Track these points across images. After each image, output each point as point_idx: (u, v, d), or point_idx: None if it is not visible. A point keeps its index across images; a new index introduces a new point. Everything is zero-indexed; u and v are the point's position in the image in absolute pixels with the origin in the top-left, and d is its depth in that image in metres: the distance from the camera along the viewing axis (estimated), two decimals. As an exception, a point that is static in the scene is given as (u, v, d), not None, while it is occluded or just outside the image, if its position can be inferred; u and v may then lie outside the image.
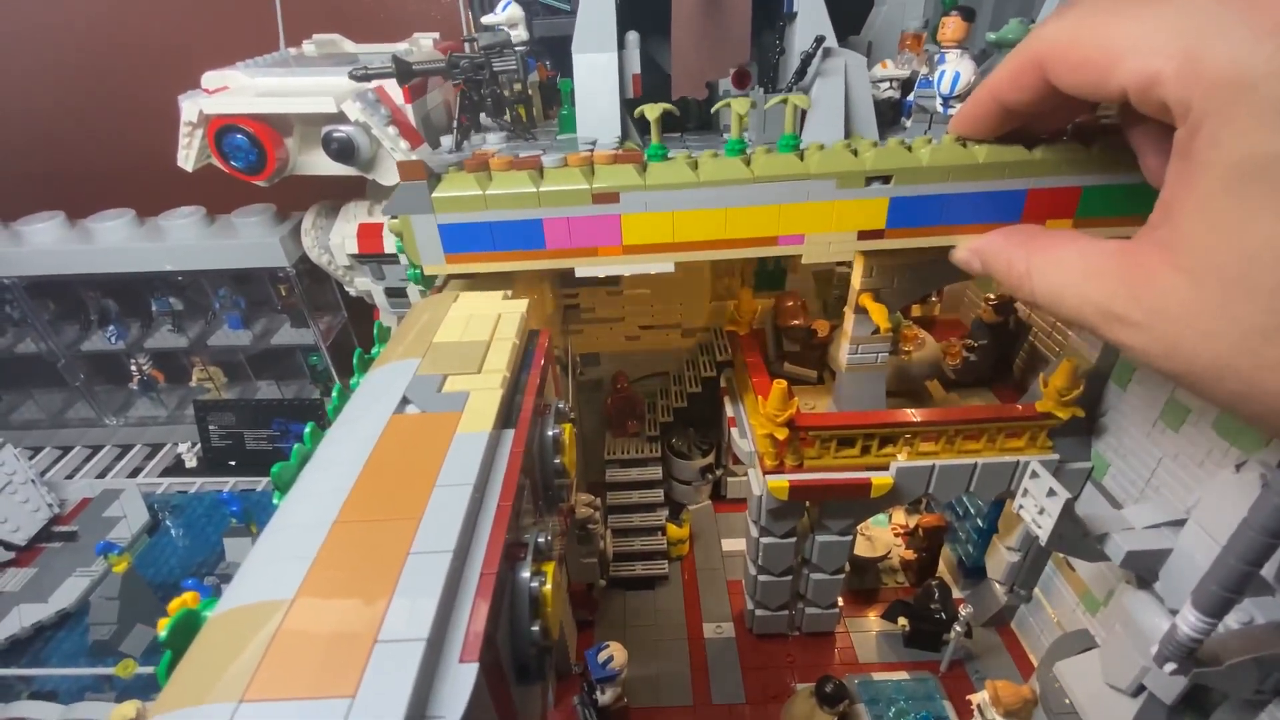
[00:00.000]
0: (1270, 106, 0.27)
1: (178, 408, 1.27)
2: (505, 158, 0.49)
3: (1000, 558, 0.76)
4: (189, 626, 0.27)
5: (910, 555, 0.86)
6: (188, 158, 0.78)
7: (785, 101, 0.50)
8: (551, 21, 0.95)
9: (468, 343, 0.44)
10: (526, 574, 0.33)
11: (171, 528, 1.03)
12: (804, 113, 0.56)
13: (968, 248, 0.48)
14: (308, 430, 0.40)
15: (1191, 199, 0.31)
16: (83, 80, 1.17)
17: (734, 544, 0.94)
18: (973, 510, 0.83)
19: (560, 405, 0.46)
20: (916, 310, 0.85)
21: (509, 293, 0.53)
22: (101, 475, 1.18)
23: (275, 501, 0.34)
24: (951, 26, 0.54)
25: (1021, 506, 0.54)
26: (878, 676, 0.75)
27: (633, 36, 0.59)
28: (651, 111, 0.49)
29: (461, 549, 0.29)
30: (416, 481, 0.32)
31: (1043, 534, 0.51)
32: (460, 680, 0.25)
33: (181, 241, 1.03)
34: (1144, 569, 0.51)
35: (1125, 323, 0.34)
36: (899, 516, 0.94)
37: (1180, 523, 0.51)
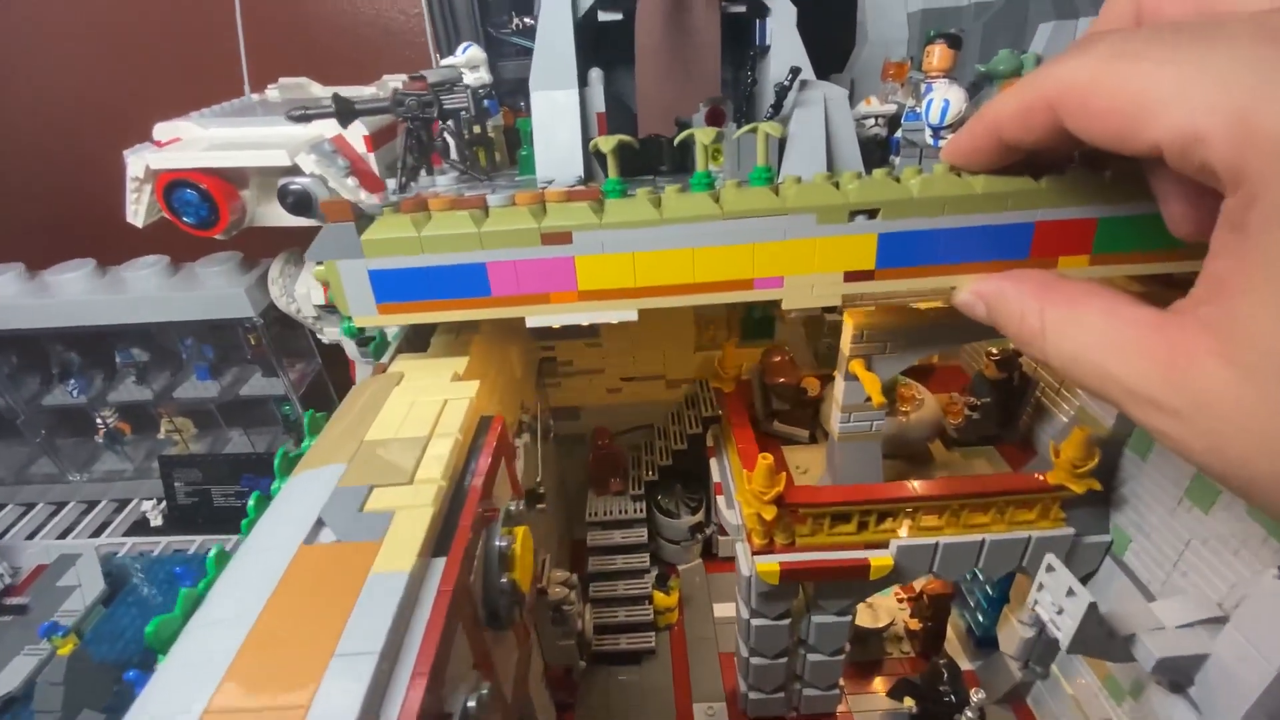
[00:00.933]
0: None
1: (145, 459, 1.22)
2: (447, 197, 0.44)
3: (1013, 631, 0.69)
4: None
5: (915, 624, 0.79)
6: (137, 213, 0.74)
7: (755, 130, 0.45)
8: (525, 63, 0.92)
9: (403, 440, 0.39)
10: (449, 750, 0.27)
11: (137, 585, 0.97)
12: (781, 146, 0.52)
13: (971, 290, 0.41)
14: (211, 554, 0.35)
15: (1247, 280, 0.26)
16: (41, 127, 1.13)
17: (727, 609, 0.88)
18: (981, 575, 0.77)
19: (512, 507, 0.41)
20: (914, 359, 0.80)
21: (459, 371, 0.48)
22: (63, 535, 1.12)
23: (159, 662, 0.29)
24: (938, 55, 0.49)
25: (1037, 602, 0.49)
26: (883, 764, 0.69)
27: (596, 73, 0.55)
28: (606, 144, 0.44)
29: (357, 742, 0.24)
30: (312, 647, 0.27)
31: (1062, 637, 0.46)
32: None
33: (143, 293, 0.99)
34: (1178, 675, 0.45)
35: (1161, 410, 0.29)
36: (902, 575, 0.88)
37: (1217, 621, 0.45)
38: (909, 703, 0.71)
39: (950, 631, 0.81)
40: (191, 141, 0.72)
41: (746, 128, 0.45)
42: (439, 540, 0.34)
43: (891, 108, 0.60)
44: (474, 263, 0.44)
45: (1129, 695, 0.58)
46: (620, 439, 0.88)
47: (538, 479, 0.63)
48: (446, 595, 0.31)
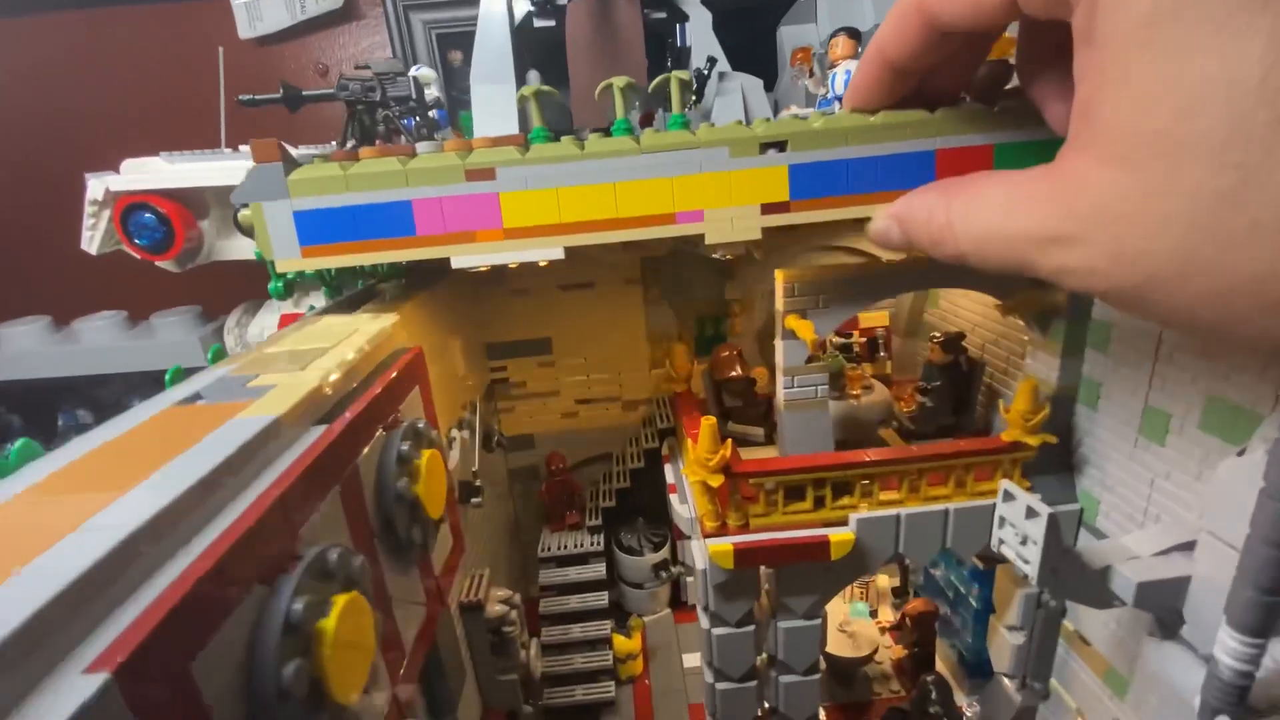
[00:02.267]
0: None
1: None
2: (377, 148, 0.46)
3: (1003, 642, 0.63)
4: None
5: (901, 653, 0.72)
6: (92, 240, 0.75)
7: (668, 81, 0.48)
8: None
9: (303, 350, 0.37)
10: (286, 596, 0.23)
11: None
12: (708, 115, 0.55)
13: (884, 214, 0.42)
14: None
15: (1106, 80, 0.27)
16: (16, 193, 1.18)
17: (698, 659, 0.79)
18: (964, 591, 0.71)
19: (422, 425, 0.38)
20: (868, 369, 0.79)
21: (381, 313, 0.47)
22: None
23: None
24: (841, 45, 0.54)
25: (1002, 542, 0.45)
26: (878, 815, 0.59)
27: (533, 74, 0.59)
28: (528, 90, 0.47)
29: (163, 533, 0.20)
30: (145, 462, 0.24)
31: (1032, 569, 0.42)
32: (70, 693, 0.15)
33: (97, 344, 0.98)
34: (1163, 608, 0.41)
35: (1063, 242, 0.29)
36: (885, 613, 0.81)
37: (1193, 545, 0.41)
38: (900, 737, 0.62)
39: (941, 663, 0.73)
40: (154, 171, 0.76)
41: (659, 78, 0.48)
42: (320, 415, 0.31)
43: (809, 111, 0.65)
44: (399, 200, 0.45)
45: (1129, 682, 0.51)
46: (578, 472, 0.84)
47: (474, 469, 0.59)
48: (319, 446, 0.28)
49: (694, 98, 0.54)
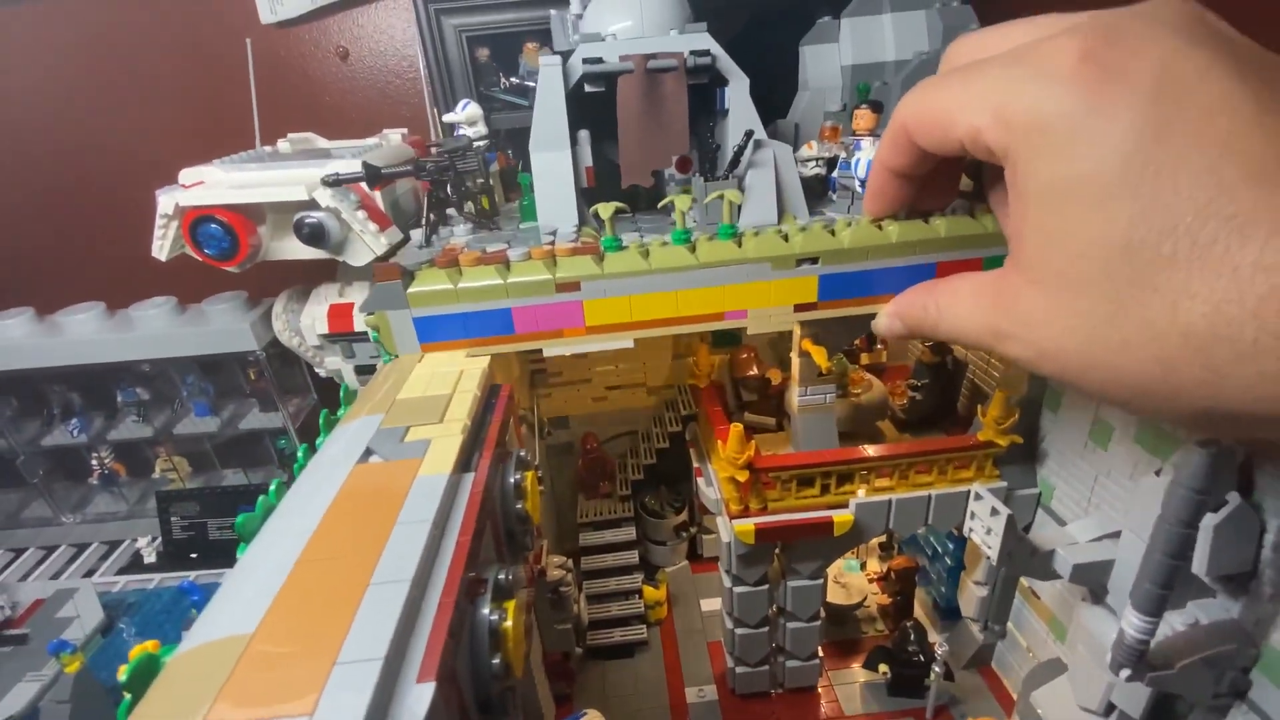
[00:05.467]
0: (1062, 140, 0.32)
1: (138, 502, 1.24)
2: (474, 253, 0.54)
3: (970, 594, 0.77)
4: (149, 671, 0.27)
5: (886, 600, 0.86)
6: (162, 248, 0.81)
7: (721, 197, 0.56)
8: (513, 115, 1.04)
9: (430, 397, 0.47)
10: (486, 609, 0.34)
11: (126, 626, 0.98)
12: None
13: (887, 314, 0.52)
14: (273, 485, 0.41)
15: (1025, 224, 0.36)
16: (58, 180, 1.21)
17: (713, 604, 0.93)
18: (941, 550, 0.85)
19: (522, 454, 0.48)
20: (865, 359, 0.89)
21: (471, 351, 0.56)
22: (55, 577, 1.13)
23: (239, 553, 0.35)
24: (863, 118, 0.61)
25: (971, 530, 0.56)
26: (864, 728, 0.74)
27: (584, 134, 0.65)
28: (605, 210, 0.55)
29: (420, 579, 0.31)
30: (378, 521, 0.34)
31: (993, 553, 0.53)
32: (417, 698, 0.26)
33: (151, 331, 1.05)
34: (1093, 582, 0.53)
35: (1006, 336, 0.39)
36: (873, 565, 0.94)
37: (1118, 535, 0.53)
38: (883, 669, 0.77)
39: (919, 608, 0.87)
40: (215, 183, 0.81)
41: (714, 194, 0.56)
42: (466, 463, 0.41)
43: (828, 153, 0.72)
44: (501, 308, 0.54)
45: (1069, 630, 0.65)
46: (607, 445, 0.95)
47: (536, 463, 0.69)
48: (477, 494, 0.38)
49: (731, 168, 0.60)
